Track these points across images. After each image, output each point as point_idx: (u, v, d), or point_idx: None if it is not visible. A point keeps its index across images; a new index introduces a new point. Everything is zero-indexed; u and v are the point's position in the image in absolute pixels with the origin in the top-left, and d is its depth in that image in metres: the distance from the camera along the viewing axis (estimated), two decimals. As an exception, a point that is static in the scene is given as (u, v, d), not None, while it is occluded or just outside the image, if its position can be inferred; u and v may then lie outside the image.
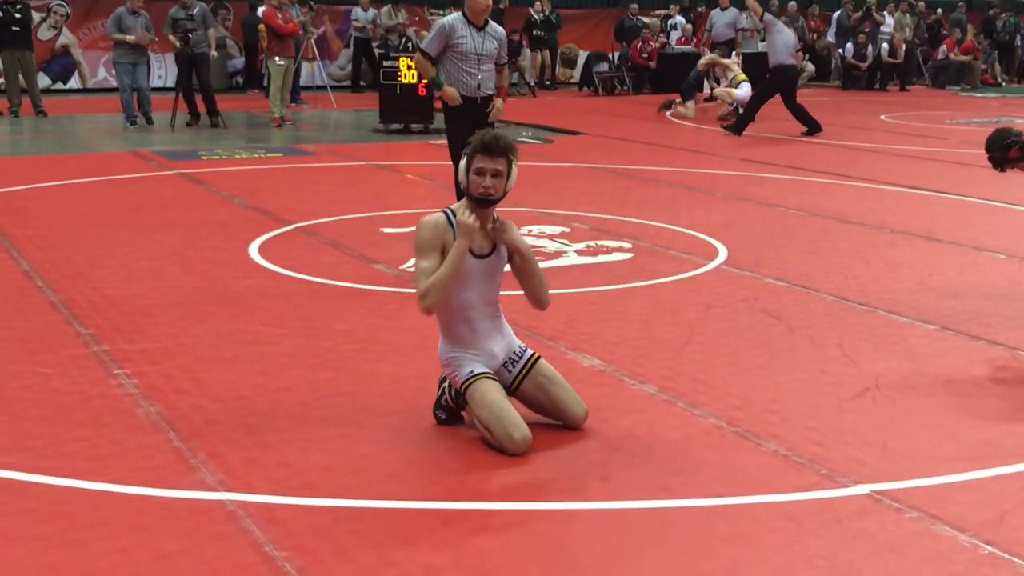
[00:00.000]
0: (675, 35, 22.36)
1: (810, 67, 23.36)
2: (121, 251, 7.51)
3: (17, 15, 15.67)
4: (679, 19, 21.83)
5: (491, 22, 7.78)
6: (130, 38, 14.57)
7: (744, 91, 15.87)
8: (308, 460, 4.09)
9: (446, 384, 4.45)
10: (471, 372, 4.32)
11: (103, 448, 4.17)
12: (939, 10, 26.06)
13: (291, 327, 5.81)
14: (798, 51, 20.39)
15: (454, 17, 7.68)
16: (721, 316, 6.16)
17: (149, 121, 15.01)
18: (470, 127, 7.46)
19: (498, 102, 7.84)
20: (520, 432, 4.15)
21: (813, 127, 14.84)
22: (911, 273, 7.20)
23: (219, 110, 15.27)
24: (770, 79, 14.79)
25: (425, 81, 13.23)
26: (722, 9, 19.06)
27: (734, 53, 18.35)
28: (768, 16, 14.73)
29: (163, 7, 15.77)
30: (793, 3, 24.13)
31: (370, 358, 5.33)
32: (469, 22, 7.60)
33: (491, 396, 4.23)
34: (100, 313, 5.99)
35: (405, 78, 14.35)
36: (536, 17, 21.32)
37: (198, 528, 3.52)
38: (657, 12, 21.73)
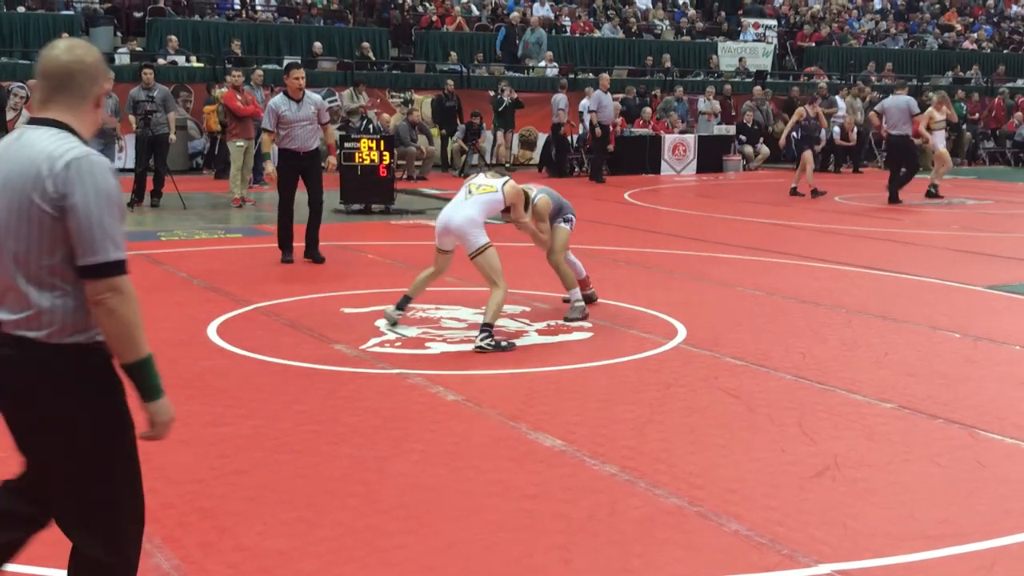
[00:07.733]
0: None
1: (765, 150, 23.81)
2: (77, 332, 7.42)
3: None
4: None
5: (307, 93, 10.45)
6: None
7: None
8: (266, 544, 4.03)
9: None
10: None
11: (55, 532, 4.07)
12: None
13: (249, 408, 5.76)
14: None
15: (279, 97, 10.36)
16: (681, 395, 6.18)
17: None
18: (295, 175, 10.41)
19: (331, 158, 11.02)
20: None
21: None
22: (868, 352, 7.27)
23: (162, 192, 15.20)
24: None
25: (386, 162, 14.60)
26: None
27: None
28: None
29: (126, 88, 15.76)
30: (758, 87, 24.67)
31: (329, 439, 5.28)
32: (289, 98, 10.24)
33: None
34: (55, 395, 5.90)
35: (366, 159, 14.45)
36: (505, 100, 21.55)
37: (152, 615, 3.45)
38: (617, 95, 22.00)
